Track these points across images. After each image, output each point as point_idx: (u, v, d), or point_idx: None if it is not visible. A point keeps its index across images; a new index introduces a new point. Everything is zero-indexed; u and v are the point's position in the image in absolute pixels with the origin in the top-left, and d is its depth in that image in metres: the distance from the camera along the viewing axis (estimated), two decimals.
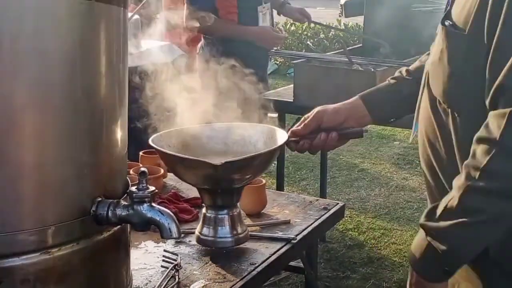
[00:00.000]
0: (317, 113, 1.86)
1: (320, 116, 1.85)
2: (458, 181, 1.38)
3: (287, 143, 1.81)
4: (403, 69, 1.87)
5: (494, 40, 1.37)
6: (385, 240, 4.28)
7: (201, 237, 1.84)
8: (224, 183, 1.75)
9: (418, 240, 1.45)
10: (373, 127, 6.63)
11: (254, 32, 3.88)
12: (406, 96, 1.79)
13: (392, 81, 1.87)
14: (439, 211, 1.41)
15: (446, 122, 1.51)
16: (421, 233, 1.45)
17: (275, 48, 4.21)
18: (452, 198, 1.38)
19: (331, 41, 9.55)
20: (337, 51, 4.18)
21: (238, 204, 1.84)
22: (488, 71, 1.39)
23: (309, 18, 4.33)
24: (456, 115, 1.48)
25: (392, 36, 3.98)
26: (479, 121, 1.38)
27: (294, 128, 1.86)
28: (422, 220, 1.44)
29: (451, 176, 1.44)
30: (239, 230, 1.84)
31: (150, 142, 1.79)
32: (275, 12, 4.27)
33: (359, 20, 5.16)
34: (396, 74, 1.88)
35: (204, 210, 1.86)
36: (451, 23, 1.49)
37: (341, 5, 4.95)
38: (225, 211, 1.82)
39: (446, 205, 1.39)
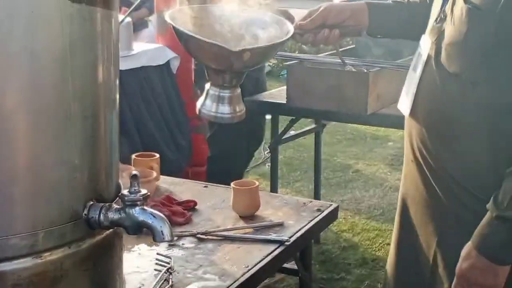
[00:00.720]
0: (323, 10, 1.94)
1: (327, 13, 1.94)
2: None
3: (292, 34, 1.88)
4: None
5: None
6: (380, 241, 4.29)
7: (203, 110, 1.84)
8: (234, 67, 1.78)
9: (487, 227, 1.60)
10: (366, 129, 6.65)
11: None
12: (406, 18, 1.95)
13: (393, 2, 2.00)
14: (506, 201, 1.57)
15: (466, 96, 1.65)
16: (489, 218, 1.59)
17: None
18: None
19: None
20: (330, 52, 4.18)
21: (239, 86, 1.87)
22: None
23: (292, 19, 4.30)
24: (480, 89, 1.62)
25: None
26: (504, 94, 1.59)
27: (301, 21, 1.94)
28: (492, 207, 1.59)
29: (467, 147, 1.65)
30: (237, 109, 1.86)
31: (167, 18, 1.78)
32: None
33: None
34: None
35: (208, 85, 1.84)
36: (471, 4, 1.62)
37: None
38: (228, 91, 1.84)
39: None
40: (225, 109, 1.84)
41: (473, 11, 1.62)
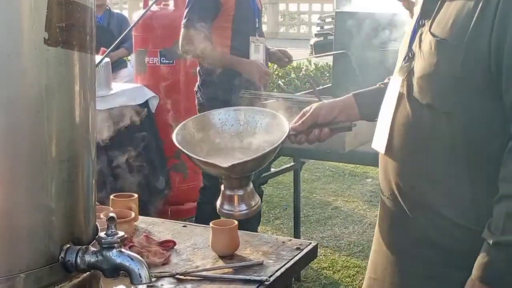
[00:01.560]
0: (314, 110, 2.09)
1: (317, 113, 2.08)
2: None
3: (288, 135, 2.06)
4: (390, 77, 2.02)
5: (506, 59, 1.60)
6: (360, 278, 4.27)
7: (223, 211, 2.06)
8: (233, 176, 2.02)
9: (486, 256, 1.62)
10: (345, 166, 6.67)
11: (243, 63, 3.90)
12: None
13: (382, 85, 2.08)
14: (500, 225, 1.60)
15: (441, 126, 1.69)
16: (487, 247, 1.62)
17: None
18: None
19: (302, 81, 9.64)
20: (307, 91, 4.21)
21: (250, 183, 2.09)
22: (505, 91, 1.62)
23: (290, 58, 4.34)
24: (454, 118, 1.67)
25: (364, 72, 4.03)
26: (478, 120, 1.64)
27: (293, 124, 2.09)
28: (488, 235, 1.62)
29: (445, 175, 1.70)
30: (253, 203, 2.08)
31: (174, 138, 2.03)
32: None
33: (329, 59, 5.21)
34: (386, 80, 2.09)
35: (222, 187, 2.06)
36: (439, 38, 1.69)
37: (311, 45, 5.02)
38: (241, 190, 2.06)
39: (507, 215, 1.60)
40: (242, 207, 2.06)
41: (441, 43, 1.68)
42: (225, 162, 1.96)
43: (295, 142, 2.11)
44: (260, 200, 2.16)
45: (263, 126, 2.21)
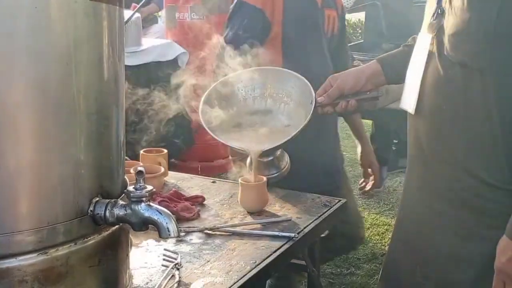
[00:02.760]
0: (340, 81, 2.09)
1: (343, 85, 2.09)
2: None
3: (315, 107, 2.08)
4: (414, 36, 2.00)
5: None
6: (389, 236, 4.26)
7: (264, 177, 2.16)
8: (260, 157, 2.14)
9: None
10: None
11: None
12: None
13: (406, 48, 2.07)
14: None
15: (473, 84, 1.66)
16: None
17: None
18: None
19: None
20: None
21: (278, 151, 2.22)
22: None
23: None
24: (488, 75, 1.63)
25: (393, 31, 3.97)
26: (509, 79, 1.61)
27: (319, 98, 2.10)
28: None
29: (476, 134, 1.67)
30: (282, 165, 2.23)
31: (201, 119, 2.12)
32: None
33: (362, 16, 5.14)
34: (409, 41, 2.08)
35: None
36: None
37: None
38: (270, 156, 2.21)
39: None
40: (272, 171, 2.22)
41: None
42: (248, 136, 2.05)
43: (322, 114, 2.13)
44: (289, 160, 2.20)
45: (289, 90, 2.24)
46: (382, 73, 2.09)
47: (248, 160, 2.17)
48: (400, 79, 2.03)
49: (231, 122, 2.21)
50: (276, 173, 2.23)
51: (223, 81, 2.22)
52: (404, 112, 1.92)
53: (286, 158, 2.25)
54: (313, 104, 2.08)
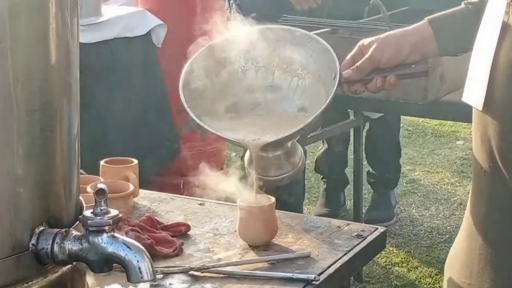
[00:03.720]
0: (374, 51, 2.05)
1: (379, 56, 2.05)
2: None
3: (339, 85, 2.06)
4: None
5: None
6: (440, 277, 4.28)
7: (271, 178, 2.17)
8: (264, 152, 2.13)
9: None
10: (426, 122, 6.64)
11: None
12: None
13: (470, 6, 2.03)
14: None
15: None
16: None
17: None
18: None
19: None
20: (374, 16, 4.16)
21: (288, 144, 2.17)
22: None
23: None
24: None
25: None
26: None
27: (346, 72, 2.07)
28: None
29: None
30: (296, 160, 2.19)
31: (182, 100, 2.08)
32: None
33: None
34: None
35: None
36: None
37: None
38: (278, 150, 2.16)
39: None
40: (281, 170, 2.17)
41: None
42: (247, 123, 2.03)
43: (348, 93, 2.12)
44: (303, 154, 2.17)
45: (304, 60, 2.21)
46: (433, 39, 2.05)
47: (247, 156, 2.16)
48: (459, 50, 2.03)
49: (224, 103, 2.19)
50: (286, 173, 2.20)
51: (214, 45, 2.19)
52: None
53: (300, 151, 2.23)
54: (337, 80, 2.06)
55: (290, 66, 2.22)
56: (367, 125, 4.92)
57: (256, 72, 2.23)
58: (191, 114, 2.05)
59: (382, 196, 4.98)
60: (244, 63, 2.22)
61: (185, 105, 2.07)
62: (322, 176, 5.16)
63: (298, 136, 2.12)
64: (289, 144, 2.16)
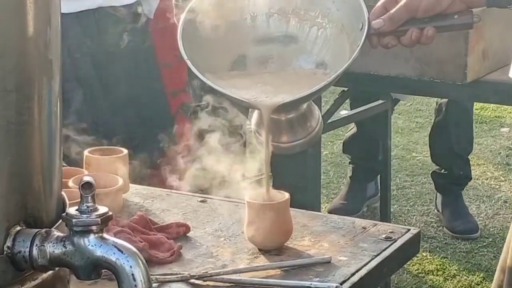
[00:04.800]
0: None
1: (415, 4, 2.06)
2: None
3: (368, 37, 2.07)
4: None
5: None
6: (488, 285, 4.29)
7: (282, 145, 2.20)
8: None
9: None
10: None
11: None
12: None
13: None
14: None
15: None
16: None
17: None
18: None
19: None
20: None
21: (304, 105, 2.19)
22: None
23: None
24: None
25: None
26: None
27: (376, 21, 2.08)
28: None
29: None
30: (312, 125, 2.21)
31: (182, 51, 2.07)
32: None
33: None
34: None
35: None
36: None
37: None
38: (292, 112, 2.17)
39: None
40: (295, 135, 2.19)
41: None
42: (257, 80, 2.02)
43: (378, 47, 2.11)
44: (321, 117, 2.17)
45: (326, 6, 2.19)
46: None
47: (254, 118, 2.16)
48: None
49: (229, 57, 2.19)
50: (301, 139, 2.20)
51: None
52: None
53: (316, 114, 2.23)
54: (365, 31, 2.06)
55: (309, 13, 2.21)
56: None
57: (268, 20, 2.22)
58: (192, 67, 2.04)
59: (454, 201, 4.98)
60: (253, 9, 2.21)
61: (185, 56, 2.06)
62: (350, 160, 5.15)
63: (315, 97, 2.11)
64: (304, 105, 2.17)
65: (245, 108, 2.14)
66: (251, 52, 2.19)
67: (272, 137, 2.10)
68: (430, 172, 5.11)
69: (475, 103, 5.71)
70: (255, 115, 2.14)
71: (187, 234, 2.23)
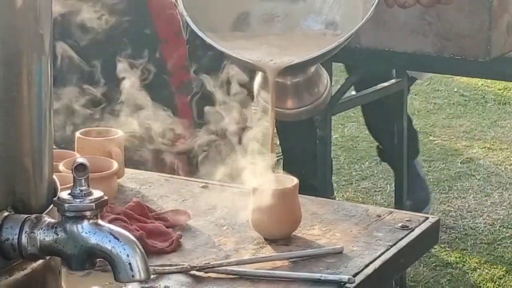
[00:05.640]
0: None
1: None
2: None
3: None
4: None
5: None
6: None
7: (288, 111, 2.20)
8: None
9: None
10: (489, 86, 6.62)
11: None
12: None
13: None
14: None
15: None
16: None
17: None
18: None
19: None
20: None
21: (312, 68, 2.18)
22: None
23: None
24: None
25: None
26: None
27: None
28: None
29: None
30: (320, 89, 2.20)
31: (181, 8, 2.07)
32: None
33: None
34: None
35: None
36: None
37: None
38: (299, 76, 2.16)
39: None
40: (302, 100, 2.18)
41: None
42: (261, 40, 2.03)
43: (394, 6, 2.14)
44: (329, 81, 2.18)
45: None
46: None
47: (258, 81, 2.16)
48: None
49: (231, 14, 2.18)
50: (307, 105, 2.20)
51: None
52: None
53: (325, 79, 2.23)
54: None
55: None
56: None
57: None
58: (192, 25, 2.04)
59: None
60: None
61: (184, 13, 2.05)
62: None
63: (324, 59, 2.11)
64: (312, 69, 2.16)
65: (249, 70, 2.12)
66: (255, 9, 2.19)
67: (276, 103, 2.09)
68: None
69: (498, 82, 5.71)
70: (258, 78, 2.14)
71: (187, 223, 2.23)
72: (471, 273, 4.38)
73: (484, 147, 5.86)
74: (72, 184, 1.42)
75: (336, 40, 2.03)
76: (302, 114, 2.18)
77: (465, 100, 6.62)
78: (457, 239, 4.69)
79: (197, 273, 2.00)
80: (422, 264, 4.36)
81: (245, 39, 2.13)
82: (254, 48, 2.08)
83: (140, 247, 1.41)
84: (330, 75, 3.87)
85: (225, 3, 2.14)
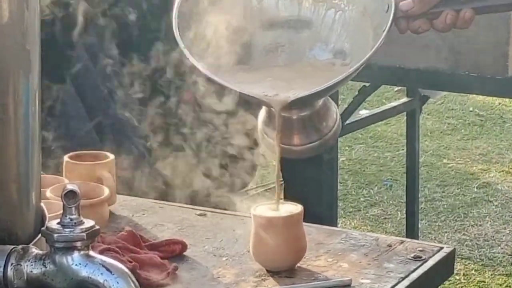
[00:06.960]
0: None
1: None
2: None
3: (395, 21, 2.06)
4: None
5: None
6: None
7: (294, 148, 2.18)
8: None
9: None
10: (507, 105, 6.63)
11: None
12: None
13: None
14: None
15: None
16: None
17: None
18: None
19: None
20: None
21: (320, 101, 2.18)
22: None
23: None
24: None
25: None
26: None
27: (404, 2, 2.08)
28: None
29: None
30: (329, 124, 2.20)
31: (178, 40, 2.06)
32: None
33: None
34: None
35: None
36: None
37: None
38: (306, 110, 2.15)
39: None
40: (309, 136, 2.17)
41: None
42: (265, 72, 2.03)
43: (407, 32, 2.11)
44: (338, 115, 2.18)
45: None
46: None
47: (261, 116, 2.17)
48: None
49: (234, 44, 2.16)
50: (315, 141, 2.19)
51: None
52: None
53: (334, 112, 2.22)
54: (392, 13, 2.06)
55: None
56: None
57: (277, 2, 2.22)
58: (190, 57, 2.05)
59: None
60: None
61: (181, 45, 2.06)
62: None
63: (333, 92, 2.12)
64: (320, 102, 2.17)
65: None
66: (258, 38, 2.19)
67: (282, 139, 2.09)
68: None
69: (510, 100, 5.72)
70: (262, 112, 2.14)
71: (184, 253, 2.24)
72: None
73: (502, 171, 5.87)
74: (61, 212, 1.43)
75: (345, 71, 2.04)
76: (309, 151, 2.18)
77: (482, 120, 6.63)
78: (473, 270, 4.69)
79: None
80: None
81: (248, 71, 2.14)
82: (258, 82, 2.10)
83: (134, 280, 1.41)
84: (337, 94, 3.90)
85: (229, 34, 2.13)
